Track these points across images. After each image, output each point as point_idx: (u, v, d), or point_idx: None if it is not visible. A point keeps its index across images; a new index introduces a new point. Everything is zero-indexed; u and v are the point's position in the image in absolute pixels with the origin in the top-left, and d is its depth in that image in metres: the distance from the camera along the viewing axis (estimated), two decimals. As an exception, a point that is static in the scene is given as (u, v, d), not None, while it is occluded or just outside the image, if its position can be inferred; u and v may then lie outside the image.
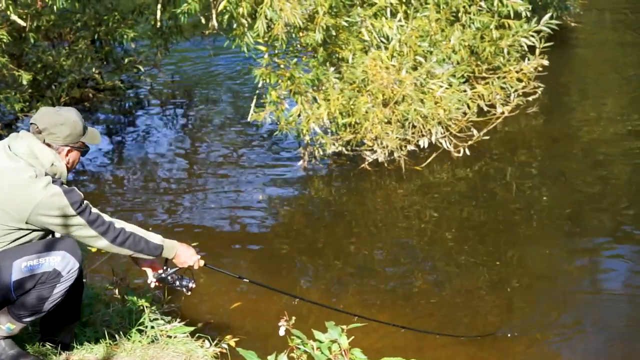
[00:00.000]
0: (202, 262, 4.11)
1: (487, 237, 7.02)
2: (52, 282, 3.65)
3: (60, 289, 3.69)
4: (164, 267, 4.11)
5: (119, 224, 3.79)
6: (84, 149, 3.91)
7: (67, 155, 3.82)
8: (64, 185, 3.68)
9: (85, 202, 3.69)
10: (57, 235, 3.79)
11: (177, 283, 4.13)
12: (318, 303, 4.72)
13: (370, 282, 6.42)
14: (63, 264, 3.65)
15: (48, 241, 3.71)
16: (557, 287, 6.28)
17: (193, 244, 4.17)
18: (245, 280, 4.61)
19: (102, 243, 3.74)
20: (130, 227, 3.83)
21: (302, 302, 5.11)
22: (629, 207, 7.37)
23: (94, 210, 3.74)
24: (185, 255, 4.03)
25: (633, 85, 11.00)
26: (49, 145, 3.75)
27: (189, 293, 4.19)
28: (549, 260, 6.60)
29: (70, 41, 10.26)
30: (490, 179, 8.19)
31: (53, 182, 3.64)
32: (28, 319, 3.77)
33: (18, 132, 3.83)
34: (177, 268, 4.08)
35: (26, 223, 3.62)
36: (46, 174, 3.66)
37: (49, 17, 9.36)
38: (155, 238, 3.90)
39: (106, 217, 3.76)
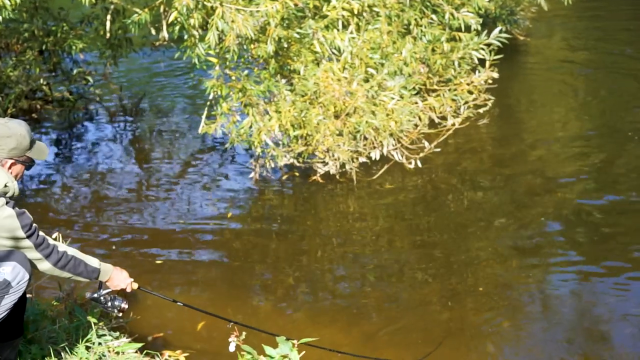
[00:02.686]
0: (135, 285, 4.23)
1: (440, 251, 7.03)
2: (1, 293, 3.62)
3: (8, 300, 3.67)
4: (98, 289, 4.18)
5: (61, 247, 3.85)
6: (28, 163, 3.90)
7: (10, 168, 3.80)
8: (16, 208, 3.68)
9: (34, 225, 3.74)
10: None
11: (109, 304, 4.21)
12: (249, 326, 4.63)
13: (321, 299, 6.38)
14: (13, 274, 3.63)
15: None
16: (507, 295, 6.32)
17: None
18: (179, 304, 4.60)
19: (45, 266, 3.80)
20: (71, 251, 3.89)
21: (253, 319, 5.04)
22: (576, 217, 7.46)
23: (41, 233, 3.79)
24: (118, 278, 4.14)
25: (581, 96, 11.17)
26: None
27: (120, 314, 4.31)
28: (500, 272, 6.63)
29: (18, 52, 10.09)
30: (442, 191, 8.22)
31: (7, 202, 3.65)
32: None
33: None
34: (110, 290, 4.18)
35: None
36: None
37: (-5, 27, 9.20)
38: (93, 262, 3.99)
39: (50, 240, 3.82)
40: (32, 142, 3.85)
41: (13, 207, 3.67)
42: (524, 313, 6.06)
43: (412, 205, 7.94)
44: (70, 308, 4.84)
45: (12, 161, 3.80)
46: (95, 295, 4.18)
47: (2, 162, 3.77)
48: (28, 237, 3.68)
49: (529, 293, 6.36)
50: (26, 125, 3.87)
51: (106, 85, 11.04)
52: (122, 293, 4.23)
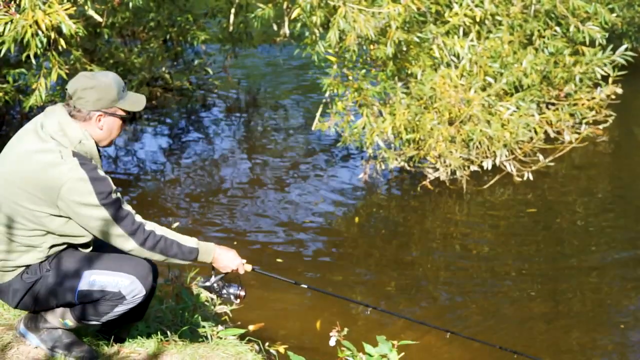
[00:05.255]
0: (248, 267, 3.78)
1: (545, 267, 6.88)
2: (114, 302, 3.56)
3: (121, 309, 3.61)
4: (211, 274, 3.78)
5: (149, 225, 3.50)
6: (121, 115, 3.52)
7: (98, 121, 3.46)
8: (98, 171, 3.39)
9: (116, 195, 3.42)
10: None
11: (224, 291, 3.79)
12: (373, 307, 4.56)
13: (420, 305, 6.34)
14: (130, 288, 3.54)
15: (122, 259, 3.55)
16: (613, 320, 6.13)
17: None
18: (303, 286, 4.27)
19: (130, 245, 3.46)
20: (161, 230, 3.54)
21: (354, 314, 5.05)
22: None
23: (126, 207, 3.46)
24: (225, 258, 3.69)
25: None
26: (79, 110, 3.42)
27: (237, 301, 3.87)
28: (607, 295, 6.44)
29: (143, 40, 10.40)
30: (552, 207, 8.05)
31: (83, 164, 3.36)
32: (86, 322, 3.70)
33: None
34: (223, 275, 3.77)
35: (58, 208, 3.37)
36: (74, 154, 3.38)
37: (124, 14, 9.51)
38: (189, 241, 3.58)
39: (137, 218, 3.48)
40: (121, 92, 3.48)
41: (91, 170, 3.36)
42: (630, 339, 5.86)
43: (521, 219, 7.80)
44: (178, 290, 4.93)
45: (100, 113, 3.44)
46: (207, 283, 3.79)
47: (89, 115, 3.44)
48: (104, 205, 3.33)
49: (636, 319, 6.14)
50: (114, 75, 3.51)
51: (224, 78, 11.25)
52: (238, 279, 3.77)
